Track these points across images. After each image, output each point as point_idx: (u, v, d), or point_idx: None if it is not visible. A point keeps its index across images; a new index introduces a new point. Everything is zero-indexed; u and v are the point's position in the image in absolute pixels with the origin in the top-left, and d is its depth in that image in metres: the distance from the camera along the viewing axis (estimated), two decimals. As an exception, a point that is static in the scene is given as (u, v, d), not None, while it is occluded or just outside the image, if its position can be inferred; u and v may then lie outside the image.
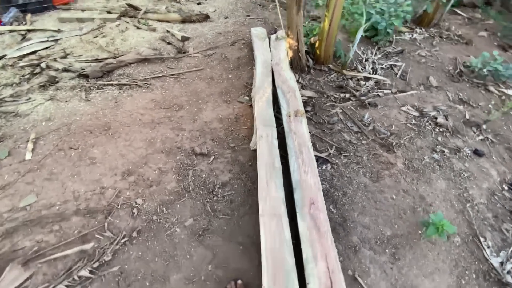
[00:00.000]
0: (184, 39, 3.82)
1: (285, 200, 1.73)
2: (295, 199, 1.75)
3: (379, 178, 2.11)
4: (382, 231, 1.80)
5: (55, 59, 3.15)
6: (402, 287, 1.55)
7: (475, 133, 2.60)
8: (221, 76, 3.22)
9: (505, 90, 3.20)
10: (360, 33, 2.94)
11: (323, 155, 2.26)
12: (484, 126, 2.65)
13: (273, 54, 3.27)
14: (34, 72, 2.95)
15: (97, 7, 4.46)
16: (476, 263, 1.68)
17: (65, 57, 3.25)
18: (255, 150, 2.27)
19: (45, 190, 1.85)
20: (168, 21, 4.33)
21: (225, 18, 4.71)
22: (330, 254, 1.47)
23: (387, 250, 1.72)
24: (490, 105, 3.02)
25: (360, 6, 3.56)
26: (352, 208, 1.91)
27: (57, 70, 3.00)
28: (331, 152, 2.30)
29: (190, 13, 4.47)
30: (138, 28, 3.97)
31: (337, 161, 2.24)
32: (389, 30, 3.89)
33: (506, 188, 2.10)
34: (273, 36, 3.75)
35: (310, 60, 3.37)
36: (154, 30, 3.94)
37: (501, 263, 1.64)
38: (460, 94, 3.16)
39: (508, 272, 1.60)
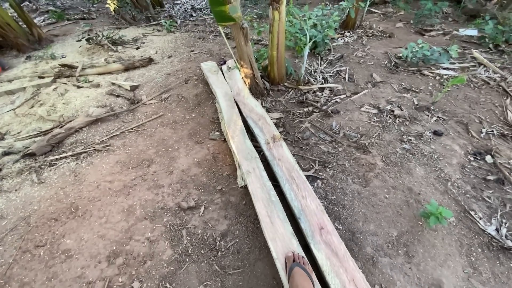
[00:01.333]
0: (134, 88, 3.65)
1: (293, 232, 1.68)
2: (303, 228, 1.70)
3: (368, 181, 2.18)
4: (389, 233, 1.84)
5: (-12, 145, 2.73)
6: (427, 284, 1.58)
7: (428, 116, 2.89)
8: (184, 117, 3.12)
9: (437, 71, 3.66)
10: (307, 51, 3.13)
11: (311, 172, 2.28)
12: (432, 108, 2.96)
13: (231, 85, 3.29)
14: (-34, 166, 2.51)
15: (26, 74, 4.05)
16: (476, 237, 1.81)
17: (2, 138, 2.84)
18: (244, 187, 2.20)
19: (18, 310, 1.52)
20: (110, 73, 4.12)
21: (169, 57, 4.66)
22: (357, 277, 1.44)
23: (399, 251, 1.75)
24: (430, 87, 3.41)
25: (297, 25, 3.82)
26: (355, 219, 1.93)
27: (-6, 156, 2.60)
28: (316, 168, 2.33)
29: (132, 60, 4.32)
30: (79, 87, 3.69)
31: (324, 175, 2.27)
32: (326, 41, 4.24)
33: (472, 158, 2.34)
34: (224, 67, 3.79)
35: (267, 83, 3.46)
36: (98, 86, 3.70)
37: (497, 230, 1.79)
38: (403, 84, 3.52)
39: (506, 237, 1.75)
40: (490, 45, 4.17)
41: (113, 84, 3.75)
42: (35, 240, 1.86)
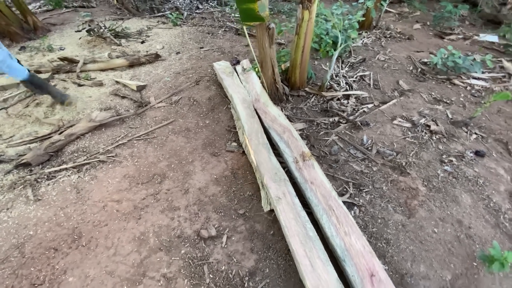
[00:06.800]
0: (140, 88, 3.34)
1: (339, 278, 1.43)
2: (348, 273, 1.46)
3: (411, 210, 1.94)
4: (442, 276, 1.61)
5: (-24, 151, 2.41)
6: None
7: (466, 132, 2.64)
8: (198, 124, 2.83)
9: (468, 81, 3.40)
10: (335, 56, 2.85)
11: (346, 197, 2.03)
12: (472, 124, 2.71)
13: (248, 89, 3.00)
14: (-51, 177, 2.20)
15: (19, 67, 3.68)
16: (541, 284, 1.59)
17: (-10, 143, 2.52)
18: (270, 211, 1.94)
19: None
20: (113, 69, 3.78)
21: (177, 53, 4.32)
22: None
23: (456, 299, 1.52)
24: (461, 99, 3.16)
25: (321, 25, 3.52)
26: (402, 257, 1.69)
27: (-17, 165, 2.29)
28: (351, 192, 2.08)
29: (137, 55, 3.99)
30: (80, 85, 3.36)
31: (361, 200, 2.02)
32: (349, 42, 3.95)
33: (523, 186, 2.11)
34: (238, 68, 3.49)
35: (286, 88, 3.18)
36: (101, 84, 3.37)
37: None
38: (433, 93, 3.27)
39: None
40: (517, 53, 3.92)
41: (117, 83, 3.42)
42: (31, 277, 1.58)
